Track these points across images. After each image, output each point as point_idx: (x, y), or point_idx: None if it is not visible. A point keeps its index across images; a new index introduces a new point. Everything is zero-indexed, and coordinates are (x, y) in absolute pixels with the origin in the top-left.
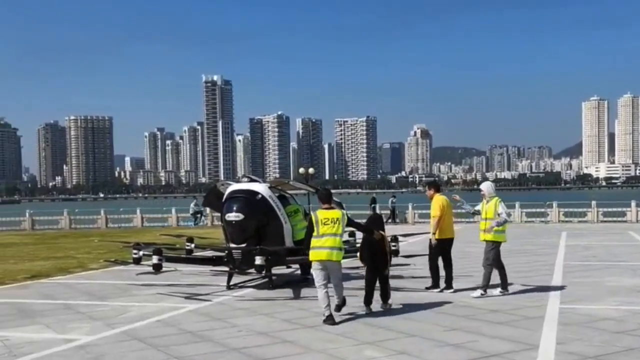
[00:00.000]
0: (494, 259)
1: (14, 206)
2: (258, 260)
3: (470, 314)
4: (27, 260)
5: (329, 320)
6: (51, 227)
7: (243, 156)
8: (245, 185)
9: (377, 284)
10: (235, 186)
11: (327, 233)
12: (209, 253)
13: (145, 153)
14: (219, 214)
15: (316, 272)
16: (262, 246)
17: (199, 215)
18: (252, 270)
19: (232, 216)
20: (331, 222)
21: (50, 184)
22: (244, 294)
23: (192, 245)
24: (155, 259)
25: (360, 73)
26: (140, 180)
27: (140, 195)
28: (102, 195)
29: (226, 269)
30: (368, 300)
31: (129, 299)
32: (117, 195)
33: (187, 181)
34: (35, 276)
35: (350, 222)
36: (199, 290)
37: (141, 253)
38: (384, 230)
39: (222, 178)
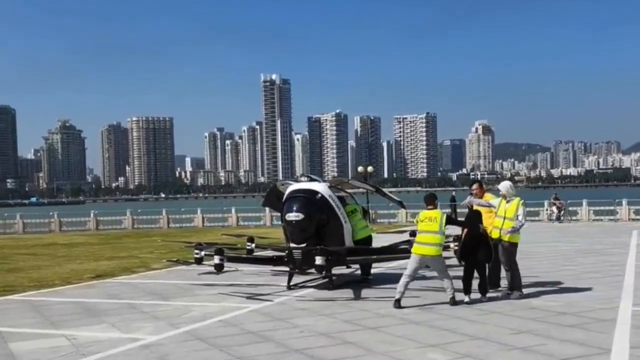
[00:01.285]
0: (513, 260)
1: (78, 207)
2: (318, 260)
3: (538, 316)
4: (92, 260)
5: (396, 303)
6: (115, 228)
7: (301, 155)
8: (305, 185)
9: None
10: (295, 186)
11: (426, 230)
12: (269, 253)
13: (205, 153)
14: (278, 214)
15: (410, 263)
16: (322, 246)
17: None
18: (313, 271)
19: (292, 216)
20: (429, 220)
21: (113, 184)
22: (304, 294)
23: (253, 245)
24: (216, 259)
25: (419, 69)
26: (200, 180)
27: (201, 195)
28: (163, 195)
29: (286, 269)
30: (467, 289)
31: (191, 299)
32: (178, 196)
33: (246, 181)
34: (100, 276)
35: (451, 221)
36: (260, 290)
37: (203, 253)
38: (482, 224)
39: (280, 177)
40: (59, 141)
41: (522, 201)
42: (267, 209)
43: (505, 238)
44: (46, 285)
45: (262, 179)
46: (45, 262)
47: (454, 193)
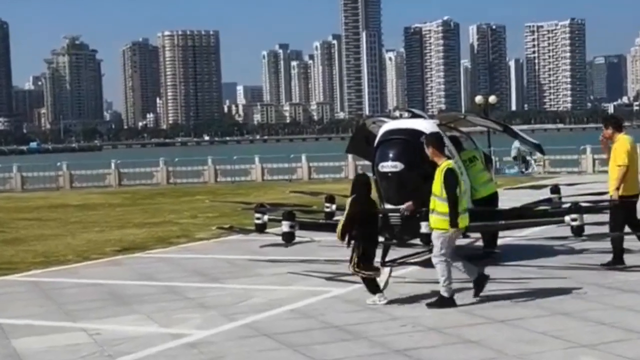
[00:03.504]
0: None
1: (94, 154)
2: (424, 227)
3: None
4: (115, 228)
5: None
6: (144, 183)
7: (395, 81)
8: (404, 123)
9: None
10: (391, 124)
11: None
12: None
13: (264, 80)
14: (367, 163)
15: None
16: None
17: (529, 160)
18: (416, 241)
19: (388, 166)
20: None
21: (140, 123)
22: (405, 274)
23: (334, 207)
24: (285, 226)
25: None
26: (257, 117)
27: (258, 137)
28: (207, 138)
29: (380, 239)
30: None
31: (251, 281)
32: (228, 138)
33: (320, 117)
34: (128, 249)
35: None
36: (344, 269)
37: (266, 218)
38: None
39: (367, 112)
40: (66, 66)
41: None
42: (351, 156)
43: None
44: (56, 261)
45: (341, 115)
46: (54, 230)
47: None
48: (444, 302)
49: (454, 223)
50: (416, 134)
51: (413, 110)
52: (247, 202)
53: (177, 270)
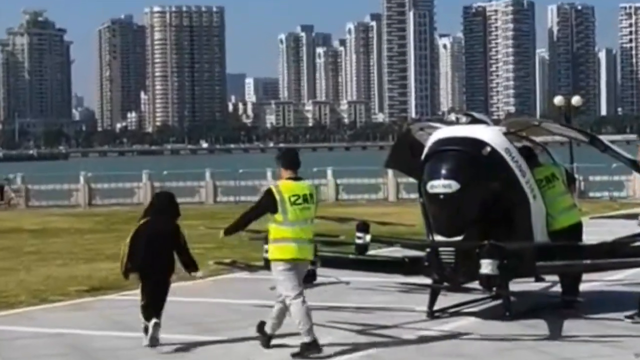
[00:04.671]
0: None
1: (58, 164)
2: (486, 266)
3: None
4: (83, 261)
5: (314, 347)
6: (121, 202)
7: (450, 74)
8: (462, 130)
9: None
10: (444, 132)
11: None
12: (395, 252)
13: (280, 71)
14: (412, 181)
15: (286, 275)
16: (492, 241)
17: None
18: (474, 285)
19: (440, 186)
20: (303, 200)
21: (118, 125)
22: (459, 327)
23: (367, 238)
24: None
25: None
26: (271, 119)
27: (272, 144)
28: (205, 145)
29: (428, 281)
30: None
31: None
32: (232, 146)
33: (352, 120)
34: (98, 288)
35: None
36: (379, 319)
37: None
38: None
39: (412, 114)
40: (24, 49)
41: None
42: (391, 171)
43: None
44: (4, 304)
45: (379, 118)
46: (3, 262)
47: None
48: (309, 347)
49: (227, 231)
50: (476, 144)
51: (473, 113)
52: (255, 230)
53: (163, 318)
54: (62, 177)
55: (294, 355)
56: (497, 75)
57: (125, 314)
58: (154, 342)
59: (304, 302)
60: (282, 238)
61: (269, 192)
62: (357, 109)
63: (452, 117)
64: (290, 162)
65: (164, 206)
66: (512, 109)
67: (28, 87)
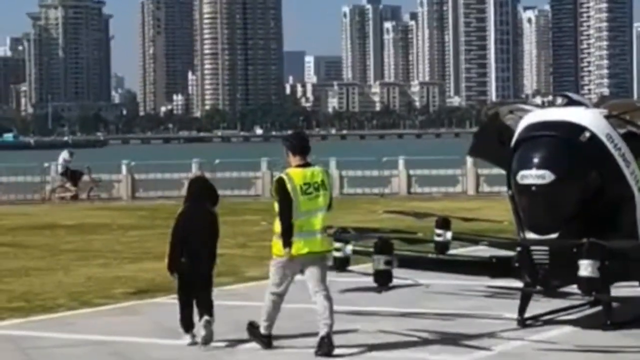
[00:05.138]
0: None
1: (96, 152)
2: (585, 267)
3: None
4: (127, 260)
5: (268, 342)
6: (168, 196)
7: (535, 52)
8: (558, 114)
9: None
10: (537, 115)
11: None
12: (480, 251)
13: (344, 48)
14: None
15: (280, 271)
16: (592, 239)
17: None
18: (571, 289)
19: (532, 176)
20: (314, 189)
21: (163, 109)
22: (553, 337)
23: (448, 235)
24: (379, 262)
25: None
26: (333, 103)
27: (334, 131)
28: (259, 132)
29: (518, 284)
30: None
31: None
32: (290, 132)
33: (424, 104)
34: (146, 291)
35: None
36: (462, 327)
37: (349, 249)
38: None
39: (492, 98)
40: (59, 23)
41: None
42: (469, 161)
43: None
44: (41, 308)
45: (455, 101)
46: (39, 262)
47: None
48: (262, 338)
49: (285, 243)
50: (574, 129)
51: (570, 94)
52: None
53: (218, 323)
54: (101, 167)
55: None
56: (589, 54)
57: (175, 320)
58: (207, 339)
59: (276, 300)
60: (294, 232)
61: (281, 183)
62: (429, 91)
63: (538, 100)
64: (300, 146)
65: (198, 193)
66: (605, 91)
67: (62, 67)
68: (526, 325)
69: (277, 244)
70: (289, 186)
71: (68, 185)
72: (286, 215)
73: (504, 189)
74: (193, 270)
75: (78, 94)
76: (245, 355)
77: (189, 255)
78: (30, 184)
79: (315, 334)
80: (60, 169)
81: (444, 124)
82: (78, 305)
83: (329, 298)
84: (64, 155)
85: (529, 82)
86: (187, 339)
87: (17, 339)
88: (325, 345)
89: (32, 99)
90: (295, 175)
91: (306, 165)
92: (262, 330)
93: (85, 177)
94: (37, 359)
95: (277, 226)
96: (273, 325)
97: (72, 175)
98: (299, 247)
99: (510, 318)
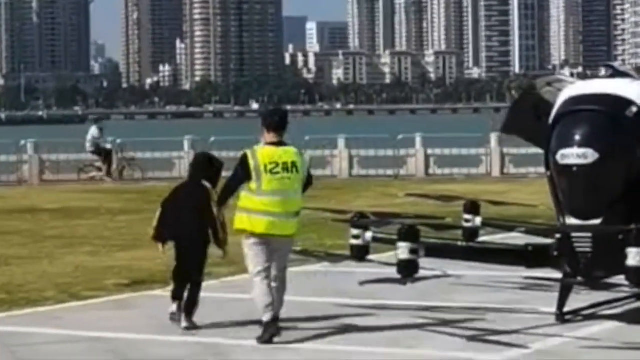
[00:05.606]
0: None
1: (74, 129)
2: (634, 256)
3: None
4: (118, 247)
5: (271, 328)
6: (158, 177)
7: (563, 17)
8: (600, 86)
9: None
10: (578, 88)
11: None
12: (514, 238)
13: (350, 14)
14: (540, 151)
15: (253, 249)
16: None
17: None
18: (617, 280)
19: (573, 155)
20: (282, 169)
21: (149, 81)
22: (596, 333)
23: (477, 221)
24: (404, 251)
25: None
26: (338, 74)
27: (339, 106)
28: (256, 106)
29: (558, 275)
30: None
31: (341, 339)
32: (290, 107)
33: (440, 76)
34: (140, 282)
35: None
36: (497, 324)
37: (369, 236)
38: None
39: (515, 69)
40: None
41: None
42: (493, 140)
43: None
44: (25, 300)
45: (474, 73)
46: (20, 249)
47: None
48: (268, 327)
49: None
50: (620, 103)
51: (613, 65)
52: (336, 210)
53: (220, 316)
54: (83, 146)
55: (259, 338)
56: (623, 20)
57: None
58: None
59: (264, 280)
60: (253, 209)
61: (243, 157)
62: (446, 61)
63: (566, 72)
64: (274, 123)
65: (195, 169)
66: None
67: (37, 34)
68: (565, 320)
69: (238, 218)
70: (251, 162)
71: (99, 164)
72: (231, 190)
73: (532, 170)
74: (182, 244)
75: (54, 63)
76: (248, 351)
77: (176, 228)
78: (5, 163)
79: (323, 330)
80: (89, 146)
81: (462, 98)
82: (66, 298)
83: (283, 282)
84: (93, 131)
85: (557, 52)
86: (172, 307)
87: (1, 335)
88: (269, 333)
89: (2, 70)
90: (263, 152)
91: (279, 144)
92: (265, 319)
93: (120, 155)
94: (26, 357)
95: (241, 201)
96: (274, 307)
97: (103, 153)
98: (264, 225)
99: (548, 312)
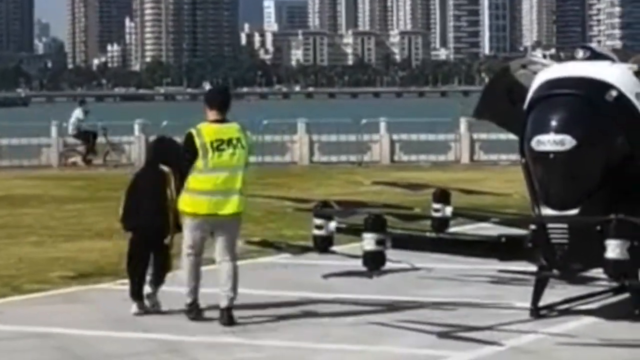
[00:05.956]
0: None
1: (17, 112)
2: (612, 248)
3: None
4: (64, 238)
5: (193, 312)
6: (108, 161)
7: (535, 1)
8: (578, 69)
9: None
10: (555, 71)
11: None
12: (487, 229)
13: None
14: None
15: (190, 231)
16: (620, 215)
17: None
18: (594, 273)
19: (549, 142)
20: (227, 145)
21: (95, 62)
22: (572, 329)
23: (447, 210)
24: (370, 242)
25: None
26: (297, 55)
27: (298, 89)
28: (208, 87)
29: (532, 268)
30: None
31: (303, 335)
32: (245, 90)
33: (406, 57)
34: (88, 275)
35: None
36: (468, 319)
37: (332, 226)
38: None
39: (485, 50)
40: None
41: None
42: (462, 125)
43: None
44: None
45: (442, 54)
46: None
47: None
48: (190, 309)
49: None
50: (598, 86)
51: (592, 46)
52: (298, 199)
53: (176, 311)
54: (27, 130)
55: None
56: (598, 0)
57: (127, 308)
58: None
59: (193, 262)
60: (197, 189)
61: (188, 136)
62: (412, 42)
63: (539, 54)
64: (217, 101)
65: (150, 152)
66: (617, 43)
67: None
68: (540, 315)
69: (182, 200)
70: (197, 140)
71: (80, 148)
72: (188, 173)
73: (504, 157)
74: (144, 233)
75: None
76: (211, 348)
77: (137, 218)
78: None
79: (284, 325)
80: (72, 129)
81: (429, 81)
82: (8, 291)
83: (234, 267)
84: (77, 113)
85: (529, 32)
86: (133, 308)
87: None
88: (225, 318)
89: None
90: (207, 130)
91: (222, 121)
92: (187, 299)
93: (103, 139)
94: None
95: (188, 182)
96: (197, 292)
97: (85, 136)
98: (208, 206)
99: (522, 308)
